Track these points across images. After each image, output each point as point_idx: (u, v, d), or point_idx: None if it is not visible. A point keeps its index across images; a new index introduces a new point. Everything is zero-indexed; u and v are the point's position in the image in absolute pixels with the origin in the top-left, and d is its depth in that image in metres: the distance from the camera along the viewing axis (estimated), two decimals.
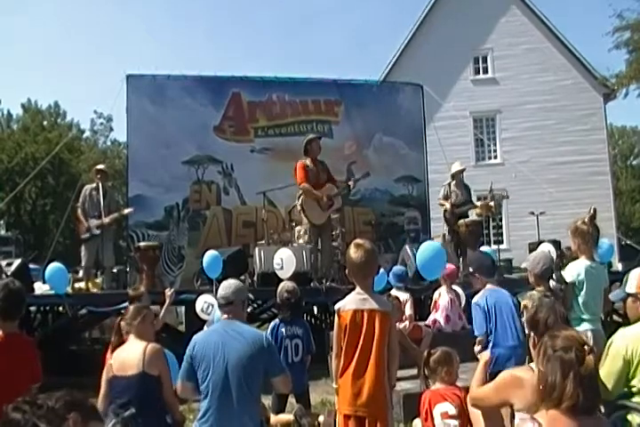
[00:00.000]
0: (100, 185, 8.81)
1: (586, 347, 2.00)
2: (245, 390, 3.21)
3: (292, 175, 8.39)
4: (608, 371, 3.14)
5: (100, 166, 9.39)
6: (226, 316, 3.45)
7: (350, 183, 8.58)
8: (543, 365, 2.07)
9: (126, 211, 9.19)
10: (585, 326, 4.55)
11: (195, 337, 3.41)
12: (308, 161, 8.24)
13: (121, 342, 3.86)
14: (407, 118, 12.15)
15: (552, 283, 4.74)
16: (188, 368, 3.30)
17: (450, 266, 7.20)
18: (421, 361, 4.13)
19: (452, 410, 3.71)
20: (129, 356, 3.62)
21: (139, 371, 3.54)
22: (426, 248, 6.30)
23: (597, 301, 4.67)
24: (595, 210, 4.85)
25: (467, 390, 3.42)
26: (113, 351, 3.85)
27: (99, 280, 9.89)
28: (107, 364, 3.72)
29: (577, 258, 4.80)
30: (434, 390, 3.93)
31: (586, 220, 4.85)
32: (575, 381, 1.96)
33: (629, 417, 3.03)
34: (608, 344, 3.25)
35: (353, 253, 3.41)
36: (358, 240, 3.56)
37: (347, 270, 3.58)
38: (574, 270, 4.64)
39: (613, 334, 3.28)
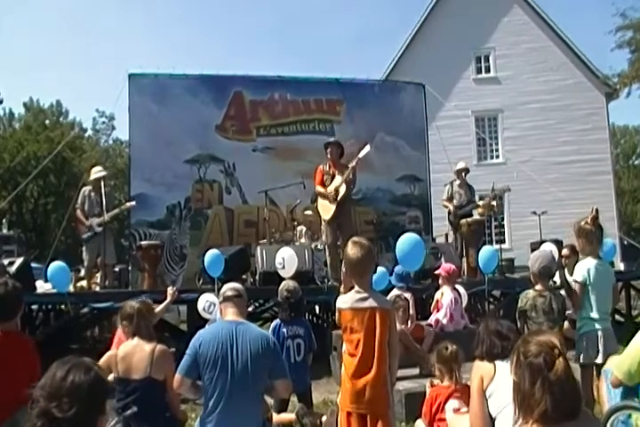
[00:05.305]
0: (102, 184, 8.77)
1: (556, 351, 1.89)
2: (251, 390, 3.19)
3: (293, 174, 8.38)
4: (631, 356, 3.14)
5: (97, 175, 8.88)
6: (231, 310, 3.38)
7: (352, 164, 8.15)
8: (516, 373, 1.96)
9: (128, 204, 9.12)
10: (595, 326, 4.57)
11: (201, 333, 3.29)
12: (326, 165, 8.34)
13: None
14: (409, 118, 12.13)
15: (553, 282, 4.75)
16: (190, 364, 3.18)
17: (450, 266, 7.19)
18: (424, 361, 4.13)
19: (464, 408, 3.72)
20: (135, 358, 3.59)
21: (144, 376, 3.51)
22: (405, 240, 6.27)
23: (606, 299, 4.70)
24: (597, 210, 4.84)
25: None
26: (117, 346, 3.83)
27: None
28: (112, 355, 3.67)
29: (575, 256, 4.82)
30: (446, 386, 3.97)
31: (589, 220, 4.86)
32: (543, 387, 1.85)
33: (633, 417, 3.02)
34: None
35: (350, 250, 3.39)
36: (355, 238, 3.55)
37: (344, 269, 3.56)
38: (583, 269, 4.66)
39: (620, 333, 3.29)
